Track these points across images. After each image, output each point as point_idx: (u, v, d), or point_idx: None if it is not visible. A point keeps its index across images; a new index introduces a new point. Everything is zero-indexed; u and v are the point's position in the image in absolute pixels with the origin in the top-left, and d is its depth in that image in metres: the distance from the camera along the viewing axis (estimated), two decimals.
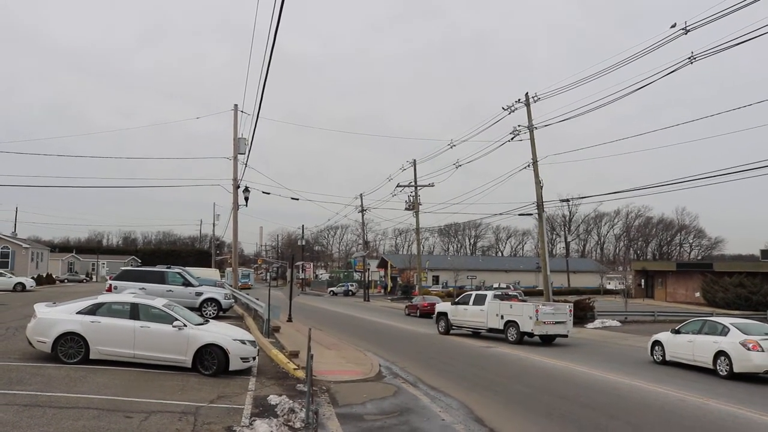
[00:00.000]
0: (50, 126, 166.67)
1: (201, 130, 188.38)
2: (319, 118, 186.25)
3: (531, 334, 25.77)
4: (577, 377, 17.32)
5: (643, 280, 71.48)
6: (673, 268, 71.41)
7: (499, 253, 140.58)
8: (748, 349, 17.64)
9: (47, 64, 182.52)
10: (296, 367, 15.80)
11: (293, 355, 17.77)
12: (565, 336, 26.63)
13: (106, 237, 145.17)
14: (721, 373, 18.25)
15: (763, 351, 17.51)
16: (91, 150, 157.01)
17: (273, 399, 11.81)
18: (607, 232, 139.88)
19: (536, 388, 15.51)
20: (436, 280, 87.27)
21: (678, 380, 17.25)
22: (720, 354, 18.43)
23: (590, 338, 30.21)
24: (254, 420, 10.02)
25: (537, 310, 25.53)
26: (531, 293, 66.69)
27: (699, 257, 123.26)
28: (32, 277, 56.10)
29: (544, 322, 25.55)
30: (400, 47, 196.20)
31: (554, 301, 34.56)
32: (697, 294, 59.99)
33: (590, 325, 36.96)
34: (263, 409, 11.10)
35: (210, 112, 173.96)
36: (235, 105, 38.12)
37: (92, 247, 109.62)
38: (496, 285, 71.80)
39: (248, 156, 37.28)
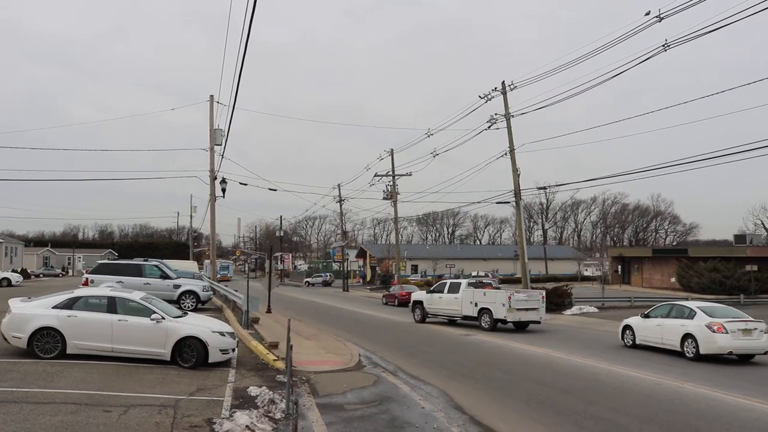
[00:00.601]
0: (23, 118, 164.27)
1: (177, 121, 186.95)
2: (296, 108, 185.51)
3: (504, 321, 26.01)
4: (555, 363, 17.50)
5: (619, 267, 72.26)
6: (649, 254, 72.23)
7: (478, 242, 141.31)
8: (713, 332, 18.19)
9: (20, 55, 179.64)
10: (276, 358, 15.80)
11: (273, 346, 17.75)
12: (538, 322, 26.99)
13: (82, 230, 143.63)
14: (688, 354, 18.77)
15: (727, 333, 18.07)
16: (65, 142, 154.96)
17: (253, 390, 11.81)
18: (584, 219, 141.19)
19: (515, 375, 15.65)
20: (414, 269, 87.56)
21: (653, 364, 17.50)
22: (687, 337, 18.96)
23: (568, 325, 30.52)
24: (234, 412, 10.02)
25: (510, 298, 25.78)
26: (509, 281, 67.21)
27: (674, 243, 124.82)
28: (15, 271, 55.27)
29: (517, 309, 25.82)
30: (377, 36, 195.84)
31: (532, 288, 34.88)
32: (673, 279, 60.78)
33: (568, 312, 37.30)
34: (243, 401, 11.09)
35: (185, 103, 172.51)
36: (211, 96, 37.89)
37: (68, 241, 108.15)
38: (474, 273, 72.16)
39: (225, 147, 37.11)
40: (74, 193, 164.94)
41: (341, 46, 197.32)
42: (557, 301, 38.69)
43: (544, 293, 28.33)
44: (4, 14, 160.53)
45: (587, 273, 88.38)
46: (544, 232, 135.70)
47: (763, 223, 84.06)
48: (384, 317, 34.01)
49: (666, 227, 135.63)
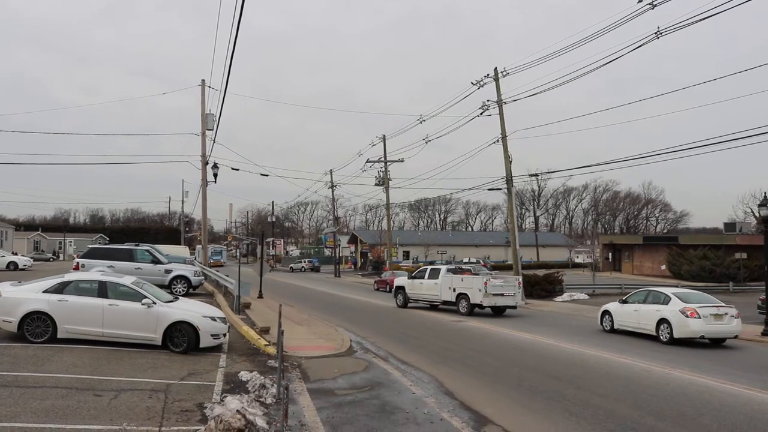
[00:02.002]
0: (11, 102, 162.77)
1: (168, 106, 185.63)
2: (288, 93, 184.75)
3: (481, 306, 26.72)
4: (544, 349, 17.60)
5: (610, 254, 72.60)
6: (639, 241, 72.61)
7: (469, 228, 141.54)
8: (687, 316, 19.10)
9: (6, 37, 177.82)
10: (267, 343, 15.82)
11: (264, 332, 17.78)
12: (514, 307, 27.81)
13: (73, 215, 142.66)
14: (662, 338, 19.62)
15: (699, 318, 18.94)
16: (55, 126, 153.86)
17: (244, 375, 11.83)
18: (576, 206, 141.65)
19: (505, 360, 15.73)
20: (406, 255, 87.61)
21: (639, 350, 17.66)
22: (662, 321, 19.85)
23: (559, 311, 30.70)
24: (225, 396, 10.03)
25: (486, 283, 26.46)
26: (501, 267, 67.33)
27: (665, 231, 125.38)
28: (14, 253, 53.88)
29: (493, 294, 26.50)
30: (369, 21, 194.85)
31: (523, 275, 35.19)
32: (663, 267, 61.15)
33: (559, 299, 37.54)
34: (234, 386, 11.11)
35: (175, 87, 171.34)
36: (203, 80, 37.67)
37: (59, 225, 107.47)
38: (466, 260, 72.38)
39: (216, 132, 36.94)
40: (65, 177, 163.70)
41: (333, 31, 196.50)
42: (548, 288, 38.93)
43: (520, 279, 29.14)
44: None
45: (578, 260, 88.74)
46: (536, 219, 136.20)
47: (752, 211, 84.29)
48: (375, 303, 34.07)
49: (657, 215, 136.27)
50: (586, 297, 38.27)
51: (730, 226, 66.10)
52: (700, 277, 53.56)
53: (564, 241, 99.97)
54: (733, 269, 53.05)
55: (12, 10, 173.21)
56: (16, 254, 55.08)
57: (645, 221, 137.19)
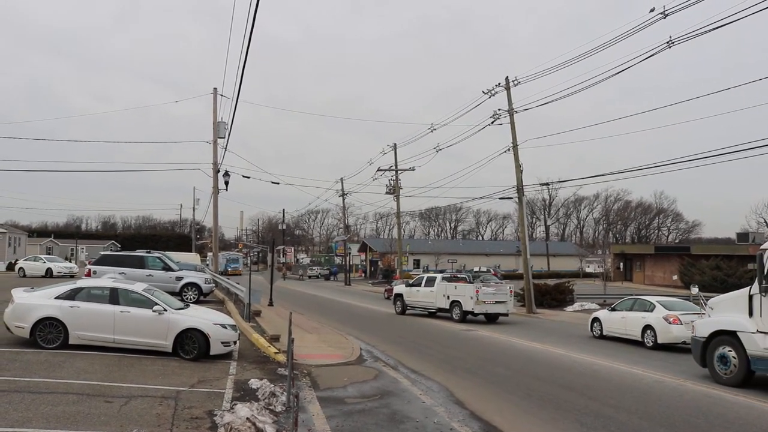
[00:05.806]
0: (24, 109, 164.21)
1: (180, 113, 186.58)
2: (300, 101, 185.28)
3: (473, 313, 27.37)
4: (555, 359, 17.51)
5: (621, 264, 72.21)
6: (651, 251, 72.18)
7: (480, 237, 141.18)
8: (670, 323, 20.30)
9: (20, 45, 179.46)
10: (277, 351, 15.83)
11: (274, 339, 17.80)
12: (506, 315, 28.60)
13: (85, 221, 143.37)
14: (647, 344, 20.77)
15: (681, 324, 20.11)
16: (68, 133, 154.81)
17: (254, 383, 11.84)
18: (587, 215, 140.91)
19: (516, 370, 15.67)
20: (416, 263, 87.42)
21: (654, 361, 17.55)
22: (647, 328, 21.00)
23: (569, 321, 30.59)
24: (235, 404, 10.04)
25: (477, 291, 27.24)
26: (511, 276, 67.13)
27: (677, 240, 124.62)
28: (69, 258, 49.64)
29: (485, 302, 27.20)
30: (379, 29, 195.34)
31: (534, 284, 35.24)
32: (675, 277, 60.74)
33: (569, 308, 37.41)
34: (244, 393, 11.12)
35: (188, 95, 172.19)
36: (215, 89, 37.82)
37: (71, 232, 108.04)
38: (476, 269, 72.02)
39: (228, 140, 37.05)
40: (78, 184, 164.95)
41: (344, 39, 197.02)
42: (559, 298, 38.84)
43: (511, 287, 29.69)
44: (2, 2, 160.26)
45: (589, 270, 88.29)
46: (547, 228, 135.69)
47: (765, 221, 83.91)
48: (385, 311, 34.02)
49: (668, 225, 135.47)
50: (597, 307, 37.93)
51: (742, 236, 65.61)
52: (712, 288, 53.07)
53: (575, 251, 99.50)
54: (745, 280, 52.49)
55: (23, 15, 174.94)
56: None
57: (657, 231, 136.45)
